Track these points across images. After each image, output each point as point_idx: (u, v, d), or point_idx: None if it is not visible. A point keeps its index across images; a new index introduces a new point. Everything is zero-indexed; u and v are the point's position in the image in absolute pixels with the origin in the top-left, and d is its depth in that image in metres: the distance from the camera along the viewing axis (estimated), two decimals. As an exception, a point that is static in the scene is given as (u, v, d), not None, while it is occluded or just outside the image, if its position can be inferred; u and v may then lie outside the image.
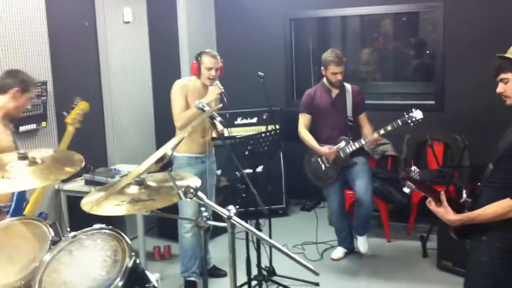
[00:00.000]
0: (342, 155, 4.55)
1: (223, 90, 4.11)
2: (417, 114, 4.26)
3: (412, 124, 4.28)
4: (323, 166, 4.65)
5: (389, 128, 4.33)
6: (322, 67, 4.61)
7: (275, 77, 6.07)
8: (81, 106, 3.73)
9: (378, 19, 6.44)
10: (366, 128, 4.60)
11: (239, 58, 6.25)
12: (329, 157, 4.58)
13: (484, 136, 5.08)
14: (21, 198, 3.41)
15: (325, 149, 4.58)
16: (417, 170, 2.81)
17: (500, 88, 2.65)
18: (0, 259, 2.53)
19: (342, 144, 4.56)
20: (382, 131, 4.36)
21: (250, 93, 5.58)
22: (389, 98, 6.09)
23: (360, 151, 4.61)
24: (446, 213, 2.64)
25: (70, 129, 3.64)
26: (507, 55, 2.62)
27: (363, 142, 4.48)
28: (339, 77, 4.53)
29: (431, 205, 2.69)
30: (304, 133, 4.71)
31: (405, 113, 4.29)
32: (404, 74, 6.50)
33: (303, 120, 4.74)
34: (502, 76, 2.63)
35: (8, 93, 3.42)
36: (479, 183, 2.77)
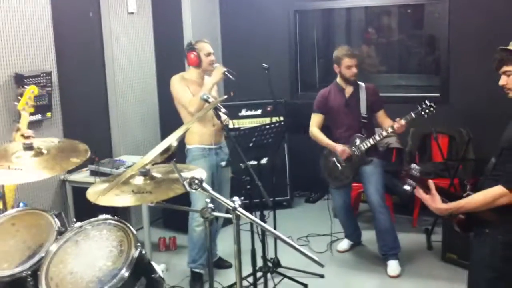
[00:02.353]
0: (357, 153, 4.47)
1: (225, 68, 4.10)
2: (431, 105, 4.21)
3: (426, 116, 4.21)
4: (339, 166, 4.57)
5: (403, 121, 4.24)
6: (335, 65, 4.53)
7: (280, 69, 6.06)
8: (30, 91, 3.73)
9: (383, 11, 6.42)
10: (387, 123, 4.45)
11: (244, 49, 6.25)
12: (343, 155, 4.50)
13: (489, 129, 5.06)
14: None
15: (340, 146, 4.50)
16: (417, 167, 2.80)
17: (503, 80, 2.64)
18: (6, 249, 2.55)
19: (357, 142, 4.48)
20: (403, 121, 4.23)
21: (254, 85, 5.56)
22: (394, 91, 6.07)
23: (374, 152, 4.52)
24: (433, 201, 2.60)
25: (24, 116, 3.63)
26: (510, 47, 2.61)
27: (377, 138, 4.39)
28: (354, 70, 4.46)
29: (419, 192, 2.66)
30: (316, 132, 4.62)
31: (418, 106, 4.23)
32: (409, 66, 6.49)
33: (316, 119, 4.65)
34: (505, 68, 2.62)
35: None
36: (481, 177, 2.77)
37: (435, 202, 2.60)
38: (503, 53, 2.61)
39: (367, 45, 6.54)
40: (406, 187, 2.78)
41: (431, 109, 4.22)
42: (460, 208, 2.58)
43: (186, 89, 4.15)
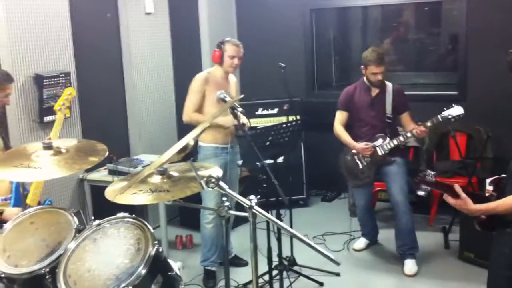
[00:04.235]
0: (380, 152, 4.44)
1: (239, 123, 3.80)
2: (458, 110, 4.15)
3: (453, 119, 4.17)
4: (360, 164, 4.54)
5: (428, 124, 4.22)
6: (362, 66, 4.48)
7: (296, 68, 6.06)
8: (67, 92, 3.77)
9: (400, 9, 6.39)
10: (411, 126, 4.42)
11: (260, 49, 6.25)
12: (365, 153, 4.47)
13: (508, 128, 5.03)
14: (18, 188, 3.44)
15: (361, 145, 4.47)
16: (432, 173, 2.79)
17: None
18: (25, 247, 2.59)
19: (380, 141, 4.45)
20: (429, 124, 4.21)
21: (271, 84, 5.58)
22: (411, 89, 6.02)
23: (398, 151, 4.49)
24: (465, 204, 2.59)
25: (60, 116, 3.67)
26: None
27: (401, 139, 4.36)
28: (379, 77, 4.41)
29: (449, 199, 2.66)
30: (340, 130, 4.59)
31: (445, 108, 4.17)
32: (426, 64, 6.45)
33: (340, 117, 4.62)
34: None
35: None
36: (503, 175, 2.75)
37: (467, 204, 2.59)
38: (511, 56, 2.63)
39: (393, 43, 6.48)
40: (421, 193, 2.79)
41: (459, 112, 4.15)
42: (492, 210, 2.58)
43: (197, 95, 4.19)
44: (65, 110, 3.75)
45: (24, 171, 2.60)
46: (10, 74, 3.54)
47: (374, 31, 6.79)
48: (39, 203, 3.47)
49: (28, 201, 3.38)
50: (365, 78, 4.55)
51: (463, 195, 2.60)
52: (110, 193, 2.50)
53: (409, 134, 4.33)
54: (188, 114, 4.22)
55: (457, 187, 2.62)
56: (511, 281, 2.61)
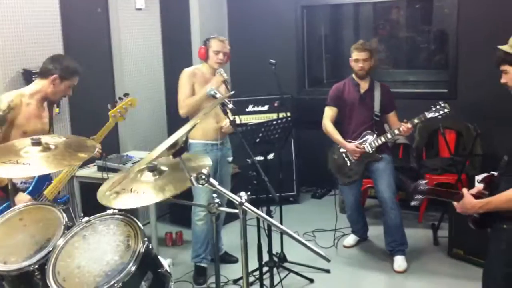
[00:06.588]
0: (368, 149, 4.46)
1: (226, 77, 4.11)
2: (445, 107, 4.18)
3: (440, 117, 4.21)
4: (348, 162, 4.56)
5: (415, 121, 4.24)
6: (350, 58, 4.54)
7: (287, 65, 6.05)
8: (128, 102, 3.76)
9: (391, 6, 6.40)
10: (397, 125, 4.42)
11: (251, 45, 6.25)
12: (355, 155, 4.51)
13: (497, 125, 5.06)
14: (43, 177, 3.45)
15: (352, 145, 4.47)
16: (423, 182, 2.83)
17: (503, 78, 2.70)
18: (14, 243, 2.57)
19: (368, 138, 4.47)
20: (416, 121, 4.23)
21: (261, 81, 5.56)
22: (402, 86, 6.05)
23: (385, 148, 4.54)
24: (469, 200, 2.66)
25: (111, 122, 3.68)
26: (504, 47, 2.67)
27: (389, 136, 4.36)
28: (360, 64, 4.43)
29: (456, 205, 2.71)
30: (329, 127, 4.59)
31: (432, 106, 4.21)
32: (417, 61, 6.47)
33: (329, 113, 4.62)
34: (502, 67, 2.69)
35: (48, 79, 3.45)
36: (493, 172, 2.77)
37: (471, 200, 2.66)
38: (500, 52, 2.67)
39: (378, 41, 6.50)
40: (414, 203, 2.82)
41: (445, 110, 4.17)
42: (487, 204, 2.62)
43: (188, 87, 4.17)
44: (119, 118, 3.75)
45: (13, 167, 2.58)
46: (79, 67, 3.54)
47: (366, 28, 6.80)
48: (54, 199, 3.49)
49: (46, 192, 3.38)
50: (353, 74, 4.58)
51: (466, 192, 2.69)
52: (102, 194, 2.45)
53: (396, 131, 4.33)
54: (182, 105, 4.17)
55: (464, 190, 2.72)
56: (507, 278, 2.63)
